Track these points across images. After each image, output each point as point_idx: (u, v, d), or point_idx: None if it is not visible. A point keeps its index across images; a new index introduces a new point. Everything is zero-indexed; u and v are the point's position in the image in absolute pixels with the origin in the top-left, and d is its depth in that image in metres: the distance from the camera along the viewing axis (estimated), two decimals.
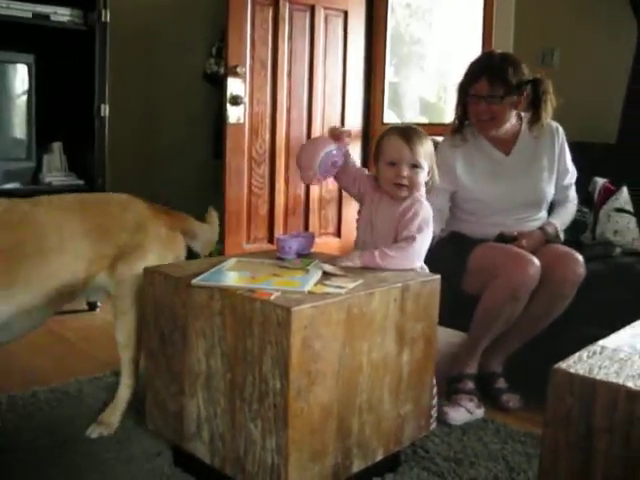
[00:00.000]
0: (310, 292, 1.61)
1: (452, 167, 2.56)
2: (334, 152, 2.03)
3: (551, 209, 2.68)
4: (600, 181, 2.86)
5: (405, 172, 1.99)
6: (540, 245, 2.49)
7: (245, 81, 3.57)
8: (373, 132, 4.21)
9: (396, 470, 1.92)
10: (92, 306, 3.48)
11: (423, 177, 2.02)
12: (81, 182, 3.46)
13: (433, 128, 4.03)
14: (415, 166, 2.00)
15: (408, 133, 2.02)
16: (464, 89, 2.55)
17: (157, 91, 4.41)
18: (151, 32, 4.31)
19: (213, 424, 1.71)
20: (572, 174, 2.69)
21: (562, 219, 2.64)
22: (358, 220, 2.15)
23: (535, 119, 2.57)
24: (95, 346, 2.95)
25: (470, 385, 2.44)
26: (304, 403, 1.55)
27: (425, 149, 2.02)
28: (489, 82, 2.45)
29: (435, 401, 2.10)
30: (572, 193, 2.71)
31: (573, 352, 1.39)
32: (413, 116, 5.13)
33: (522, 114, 2.62)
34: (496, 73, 2.45)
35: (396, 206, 2.01)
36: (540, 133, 2.60)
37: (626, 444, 1.22)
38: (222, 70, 3.99)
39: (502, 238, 2.48)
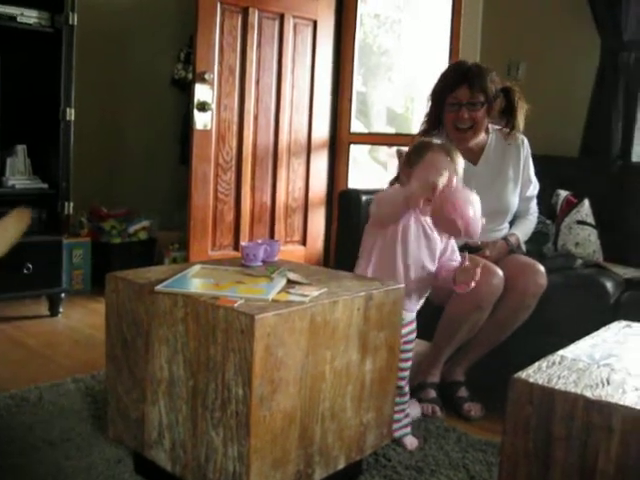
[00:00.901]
0: (274, 300, 1.61)
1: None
2: None
3: (512, 221, 2.72)
4: (563, 194, 2.91)
5: None
6: (503, 255, 2.52)
7: (213, 87, 3.56)
8: (340, 141, 4.23)
9: (357, 478, 1.93)
10: (54, 312, 3.43)
11: None
12: (45, 185, 3.41)
13: (400, 138, 4.08)
14: None
15: (451, 151, 2.07)
16: (441, 97, 2.57)
17: (124, 95, 4.38)
18: (119, 36, 4.29)
19: (175, 431, 1.70)
20: (534, 186, 2.73)
21: (524, 231, 2.67)
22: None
23: (511, 127, 2.61)
24: (56, 352, 2.91)
25: (433, 394, 2.46)
26: (266, 411, 1.54)
27: (461, 164, 2.09)
28: (470, 89, 2.49)
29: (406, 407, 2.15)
30: (533, 205, 2.75)
31: (534, 362, 1.41)
32: (380, 126, 5.16)
33: (489, 125, 2.66)
34: (476, 80, 2.49)
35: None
36: (512, 142, 2.63)
37: (583, 452, 1.24)
38: (190, 76, 3.98)
39: (466, 248, 2.50)
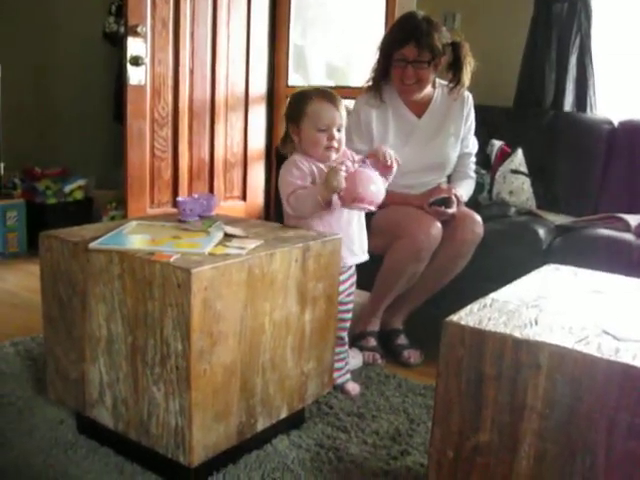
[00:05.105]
0: (210, 253, 1.61)
1: (369, 126, 2.59)
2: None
3: (450, 176, 2.73)
4: (497, 144, 2.95)
5: (337, 135, 2.04)
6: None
7: (146, 41, 3.47)
8: (278, 95, 4.19)
9: (300, 427, 1.96)
10: None
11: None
12: None
13: (339, 91, 4.05)
14: (340, 127, 2.05)
15: (332, 96, 2.07)
16: (388, 52, 2.53)
17: (54, 50, 4.24)
18: None
19: (115, 389, 1.70)
20: (474, 145, 2.74)
21: (467, 192, 2.68)
22: None
23: (456, 82, 2.60)
24: None
25: (373, 342, 2.52)
26: (206, 364, 1.55)
27: (344, 109, 2.08)
28: (417, 47, 2.45)
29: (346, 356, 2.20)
30: (472, 165, 2.75)
31: None
32: (319, 80, 5.12)
33: (437, 80, 2.65)
34: (424, 39, 2.44)
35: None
36: (458, 97, 2.64)
37: (513, 390, 1.29)
38: (122, 29, 3.86)
39: (435, 202, 2.45)
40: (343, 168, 1.95)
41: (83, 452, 1.80)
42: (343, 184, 1.92)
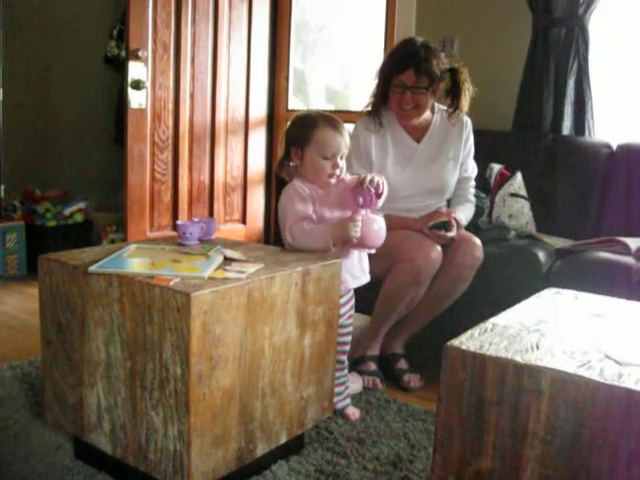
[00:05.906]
0: (210, 277, 1.60)
1: (368, 151, 2.59)
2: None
3: (449, 200, 2.73)
4: (496, 167, 2.96)
5: (340, 164, 2.03)
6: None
7: (147, 65, 3.49)
8: (278, 119, 4.21)
9: (300, 452, 1.94)
10: None
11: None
12: None
13: (339, 115, 4.07)
14: (343, 155, 2.06)
15: (338, 123, 2.06)
16: (387, 78, 2.54)
17: (56, 74, 4.27)
18: (48, 12, 4.16)
19: (114, 414, 1.68)
20: (473, 169, 2.75)
21: (467, 216, 2.68)
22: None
23: (455, 107, 2.61)
24: None
25: (373, 366, 2.50)
26: (206, 388, 1.54)
27: (348, 136, 2.09)
28: (416, 74, 2.46)
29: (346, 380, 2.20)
30: (472, 190, 2.75)
31: None
32: (319, 104, 5.15)
33: (436, 105, 2.67)
34: (423, 65, 2.45)
35: (331, 191, 2.08)
36: (457, 122, 2.65)
37: (514, 415, 1.28)
38: (123, 53, 3.89)
39: (435, 226, 2.45)
40: (359, 218, 1.99)
41: (80, 478, 1.78)
42: (359, 234, 1.99)
